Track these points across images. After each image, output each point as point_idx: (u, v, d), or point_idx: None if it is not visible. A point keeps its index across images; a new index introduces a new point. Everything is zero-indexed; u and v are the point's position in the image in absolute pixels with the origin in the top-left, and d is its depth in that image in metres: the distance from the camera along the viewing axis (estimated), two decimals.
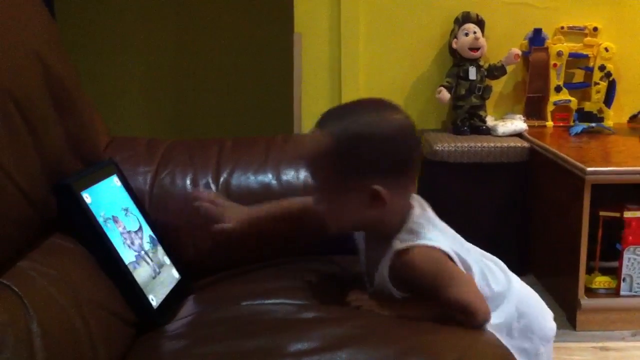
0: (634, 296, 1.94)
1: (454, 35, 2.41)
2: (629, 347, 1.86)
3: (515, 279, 1.19)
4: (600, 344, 1.86)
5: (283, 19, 2.57)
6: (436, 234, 1.06)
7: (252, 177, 1.43)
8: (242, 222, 1.23)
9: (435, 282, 1.04)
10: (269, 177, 1.43)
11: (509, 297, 1.15)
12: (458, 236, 1.13)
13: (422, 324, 1.03)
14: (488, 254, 1.21)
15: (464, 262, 1.07)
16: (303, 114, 2.48)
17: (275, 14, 2.90)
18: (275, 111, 2.87)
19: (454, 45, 2.40)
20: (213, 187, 1.41)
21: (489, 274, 1.14)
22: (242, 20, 3.25)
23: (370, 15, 2.46)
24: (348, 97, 2.46)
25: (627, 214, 1.93)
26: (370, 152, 1.02)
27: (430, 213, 1.12)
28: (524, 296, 1.18)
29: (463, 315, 1.03)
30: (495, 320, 1.09)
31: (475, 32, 2.38)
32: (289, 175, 1.42)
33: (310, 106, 2.48)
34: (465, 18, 2.41)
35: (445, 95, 2.37)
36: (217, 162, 1.44)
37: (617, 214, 1.95)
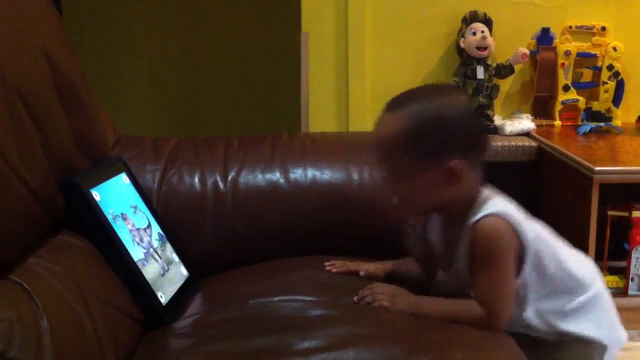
0: None
1: (461, 34, 2.41)
2: (637, 347, 1.85)
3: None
4: None
5: (290, 19, 2.56)
6: (504, 204, 1.10)
7: (259, 176, 1.43)
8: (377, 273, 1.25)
9: (487, 256, 1.07)
10: (276, 176, 1.43)
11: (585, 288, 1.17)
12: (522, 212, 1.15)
13: (431, 322, 1.03)
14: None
15: (524, 234, 1.09)
16: (310, 112, 2.48)
17: (283, 14, 2.90)
18: (283, 110, 2.87)
19: (462, 44, 2.39)
20: (221, 185, 1.41)
21: (549, 257, 1.14)
22: (249, 19, 3.25)
23: (377, 14, 2.45)
24: (355, 95, 2.46)
25: (636, 214, 1.92)
26: (446, 131, 1.06)
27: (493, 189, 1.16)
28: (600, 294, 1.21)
29: (483, 309, 1.06)
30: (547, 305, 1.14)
31: (482, 31, 2.37)
32: (296, 173, 1.43)
33: (317, 105, 2.48)
34: (472, 17, 2.40)
35: None
36: (224, 161, 1.44)
37: (625, 214, 1.95)
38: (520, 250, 1.09)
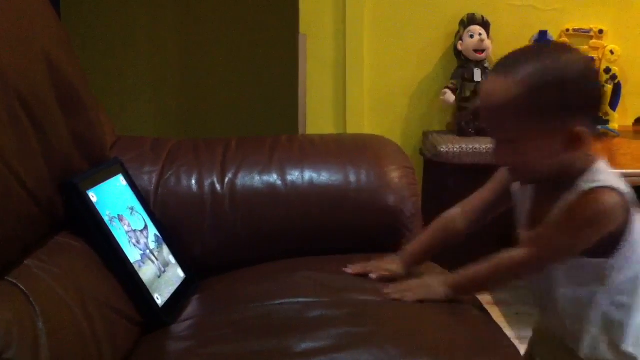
0: None
1: (459, 36, 2.41)
2: None
3: None
4: None
5: (288, 20, 2.57)
6: (618, 179, 1.04)
7: (257, 178, 1.43)
8: (399, 271, 1.20)
9: (576, 217, 1.01)
10: (274, 178, 1.43)
11: None
12: None
13: (431, 322, 1.03)
14: None
15: (633, 224, 1.03)
16: (308, 114, 2.48)
17: (281, 15, 2.90)
18: (280, 111, 2.87)
19: (459, 47, 2.40)
20: (218, 187, 1.41)
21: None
22: (247, 21, 3.25)
23: (375, 16, 2.45)
24: (352, 97, 2.46)
25: None
26: (569, 93, 0.99)
27: None
28: None
29: (525, 250, 1.06)
30: None
31: (480, 34, 2.38)
32: (294, 175, 1.43)
33: (315, 107, 2.48)
34: (470, 20, 2.41)
35: (450, 96, 2.37)
36: (222, 162, 1.44)
37: None
38: (619, 235, 1.02)
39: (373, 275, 1.19)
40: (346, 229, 1.43)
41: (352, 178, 1.42)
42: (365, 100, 2.48)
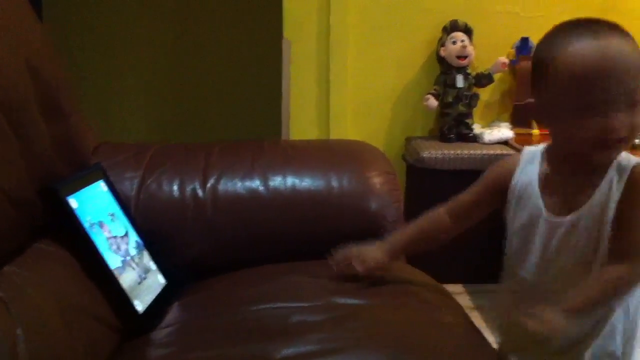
0: None
1: (442, 43, 2.43)
2: None
3: None
4: None
5: (273, 25, 2.57)
6: None
7: (239, 183, 1.43)
8: (383, 260, 1.17)
9: None
10: (256, 183, 1.43)
11: None
12: None
13: (414, 328, 1.03)
14: None
15: None
16: (291, 119, 2.49)
17: (265, 20, 2.90)
18: (264, 116, 2.87)
19: (442, 53, 2.41)
20: (200, 192, 1.41)
21: None
22: (232, 25, 3.25)
23: (359, 22, 2.47)
24: (336, 103, 2.47)
25: None
26: None
27: None
28: None
29: (625, 264, 0.98)
30: None
31: (463, 41, 2.39)
32: (276, 181, 1.42)
33: (299, 112, 2.48)
34: (453, 26, 2.43)
35: (433, 102, 2.39)
36: (204, 168, 1.44)
37: None
38: None
39: (359, 267, 1.15)
40: (329, 234, 1.42)
41: (335, 183, 1.42)
42: (348, 105, 2.49)
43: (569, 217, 1.02)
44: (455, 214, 1.17)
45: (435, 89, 2.41)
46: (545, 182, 1.05)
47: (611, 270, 0.99)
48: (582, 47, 0.97)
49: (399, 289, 1.26)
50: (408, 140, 2.48)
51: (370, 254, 1.18)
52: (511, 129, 2.43)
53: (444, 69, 2.43)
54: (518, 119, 2.51)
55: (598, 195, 1.01)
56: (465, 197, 1.18)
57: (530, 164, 1.08)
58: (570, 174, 1.04)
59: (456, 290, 2.29)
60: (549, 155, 1.07)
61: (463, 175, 2.27)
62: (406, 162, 2.42)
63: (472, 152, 2.27)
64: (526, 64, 2.46)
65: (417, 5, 2.48)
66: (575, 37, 0.99)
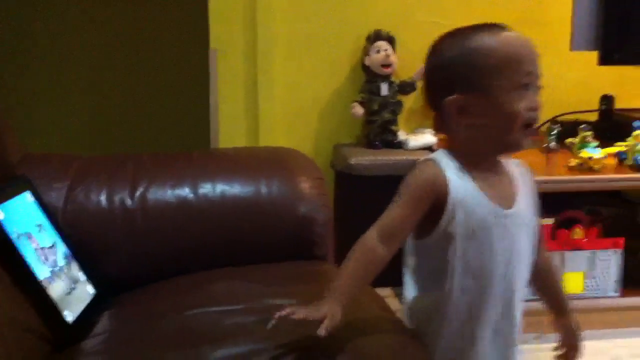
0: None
1: (366, 52, 2.48)
2: (532, 349, 1.94)
3: None
4: None
5: (199, 35, 2.57)
6: None
7: (169, 192, 1.44)
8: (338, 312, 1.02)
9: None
10: (185, 191, 1.44)
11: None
12: None
13: (345, 326, 1.06)
14: None
15: None
16: (220, 129, 2.49)
17: (191, 30, 2.90)
18: (192, 127, 2.86)
19: (366, 62, 2.47)
20: (129, 202, 1.41)
21: None
22: (158, 35, 3.24)
23: (285, 32, 2.49)
24: (264, 112, 2.49)
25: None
26: None
27: None
28: None
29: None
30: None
31: (386, 50, 2.45)
32: (206, 188, 1.44)
33: (227, 121, 2.49)
34: (376, 36, 2.48)
35: (359, 110, 2.43)
36: (133, 178, 1.44)
37: None
38: None
39: (322, 332, 0.96)
40: (261, 239, 1.45)
41: (264, 189, 1.45)
42: (276, 114, 2.51)
43: (521, 207, 1.11)
44: (388, 237, 1.06)
45: (361, 97, 2.46)
46: (480, 184, 1.08)
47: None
48: (509, 35, 1.09)
49: None
50: (336, 147, 2.52)
51: (322, 312, 1.01)
52: (434, 135, 2.50)
53: (369, 78, 2.49)
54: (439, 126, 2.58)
55: (523, 190, 1.12)
56: (394, 215, 1.08)
57: (455, 170, 1.07)
58: (490, 172, 1.10)
59: (385, 294, 2.33)
60: (464, 160, 1.09)
61: (390, 181, 2.33)
62: (335, 169, 2.46)
63: (398, 157, 2.33)
64: None
65: (341, 16, 2.53)
66: (496, 30, 1.10)
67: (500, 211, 1.08)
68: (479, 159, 1.10)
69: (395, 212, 1.07)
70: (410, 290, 1.20)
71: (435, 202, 1.06)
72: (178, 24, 3.18)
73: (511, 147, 1.09)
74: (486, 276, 1.09)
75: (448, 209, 1.05)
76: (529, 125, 1.06)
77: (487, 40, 1.08)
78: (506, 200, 1.10)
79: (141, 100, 3.27)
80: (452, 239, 1.07)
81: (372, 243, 1.06)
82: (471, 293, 1.10)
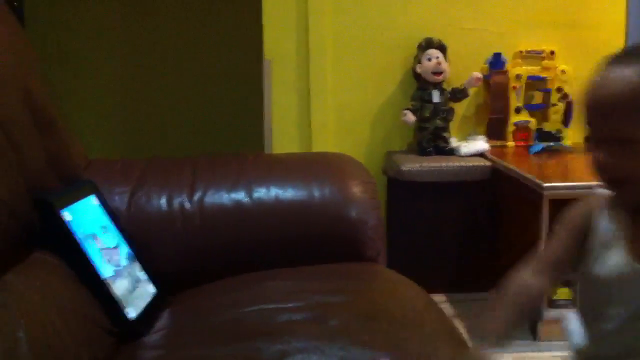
0: None
1: (417, 60, 2.51)
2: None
3: None
4: (559, 354, 1.93)
5: (254, 46, 2.64)
6: None
7: (225, 195, 1.49)
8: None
9: None
10: (241, 195, 1.49)
11: None
12: None
13: (388, 322, 1.09)
14: None
15: None
16: (274, 136, 2.55)
17: (247, 41, 2.97)
18: (247, 134, 2.93)
19: (418, 70, 2.49)
20: (188, 205, 1.47)
21: None
22: (215, 46, 3.33)
23: (337, 41, 2.54)
24: (317, 119, 2.54)
25: None
26: None
27: None
28: None
29: None
30: None
31: (437, 57, 2.47)
32: (260, 192, 1.49)
33: (281, 129, 2.55)
34: (428, 44, 2.51)
35: (411, 117, 2.46)
36: (191, 181, 1.50)
37: None
38: None
39: None
40: (313, 241, 1.49)
41: (316, 193, 1.49)
42: (328, 122, 2.56)
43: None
44: (542, 277, 1.00)
45: (412, 104, 2.49)
46: (627, 228, 0.94)
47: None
48: (599, 76, 0.90)
49: (381, 288, 1.32)
50: (388, 154, 2.55)
51: None
52: (487, 142, 2.50)
53: (421, 85, 2.51)
54: (493, 132, 2.59)
55: None
56: (550, 251, 1.02)
57: (610, 208, 0.96)
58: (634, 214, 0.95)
59: (439, 300, 2.35)
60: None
61: (442, 187, 2.37)
62: (387, 175, 2.49)
63: (449, 164, 2.34)
64: (499, 79, 2.55)
65: (393, 24, 2.56)
66: (608, 66, 0.91)
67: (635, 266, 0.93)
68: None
69: (548, 247, 1.03)
70: None
71: (583, 239, 0.98)
72: (233, 34, 3.26)
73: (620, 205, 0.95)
74: (598, 332, 0.99)
75: (588, 248, 0.97)
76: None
77: (599, 73, 0.91)
78: None
79: (200, 109, 3.37)
80: (585, 282, 0.99)
81: (527, 281, 1.00)
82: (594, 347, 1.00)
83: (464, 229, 2.40)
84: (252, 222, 1.46)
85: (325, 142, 2.53)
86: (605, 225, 0.95)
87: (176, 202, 1.48)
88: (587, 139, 0.92)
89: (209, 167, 1.55)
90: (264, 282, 1.32)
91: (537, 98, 2.62)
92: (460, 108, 2.60)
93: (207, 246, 1.45)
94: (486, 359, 0.93)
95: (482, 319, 0.98)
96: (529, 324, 2.08)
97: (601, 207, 0.96)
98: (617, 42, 2.28)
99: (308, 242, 1.49)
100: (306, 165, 1.57)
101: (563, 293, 2.05)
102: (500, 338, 0.95)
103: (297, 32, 2.52)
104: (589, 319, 0.99)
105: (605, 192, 0.95)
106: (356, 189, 1.51)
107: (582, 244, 0.97)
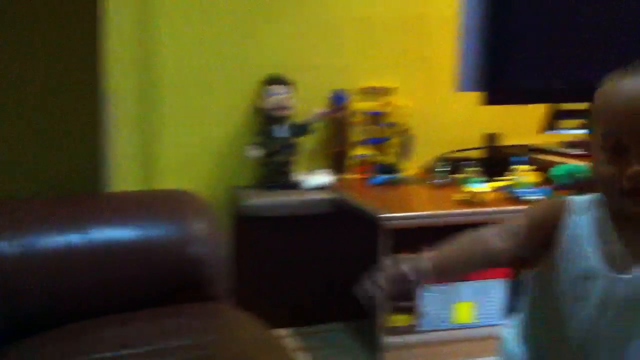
0: (431, 331, 2.11)
1: (262, 95, 2.53)
2: None
3: None
4: None
5: (92, 79, 2.55)
6: None
7: (56, 238, 1.42)
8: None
9: None
10: (74, 237, 1.42)
11: None
12: None
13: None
14: None
15: None
16: (113, 173, 2.46)
17: (85, 73, 2.87)
18: (83, 170, 2.80)
19: (262, 106, 2.51)
20: (10, 248, 1.38)
21: None
22: (50, 77, 3.18)
23: (181, 76, 2.51)
24: (158, 155, 2.48)
25: None
26: None
27: None
28: None
29: None
30: None
31: (281, 93, 2.51)
32: (93, 234, 1.43)
33: (120, 166, 2.47)
34: (272, 80, 2.53)
35: (255, 152, 2.47)
36: (17, 222, 1.41)
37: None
38: None
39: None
40: (152, 283, 1.45)
41: (155, 232, 1.45)
42: (171, 158, 2.51)
43: (632, 274, 0.93)
44: (506, 240, 0.99)
45: (257, 139, 2.50)
46: (601, 233, 0.95)
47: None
48: (625, 83, 0.91)
49: (222, 329, 1.30)
50: (234, 190, 2.54)
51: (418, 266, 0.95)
52: (330, 175, 2.56)
53: (265, 121, 2.53)
54: (336, 165, 2.65)
55: None
56: (510, 243, 0.99)
57: (581, 214, 0.97)
58: (625, 221, 0.95)
59: (286, 334, 2.35)
60: (602, 202, 0.97)
61: (287, 221, 2.39)
62: (232, 211, 2.48)
63: (293, 198, 2.37)
64: (341, 114, 2.62)
65: (237, 59, 2.57)
66: (629, 75, 0.92)
67: (608, 272, 0.95)
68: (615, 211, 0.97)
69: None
70: None
71: (544, 242, 0.99)
72: (68, 64, 3.14)
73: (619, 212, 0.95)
74: (561, 337, 1.00)
75: (552, 253, 0.99)
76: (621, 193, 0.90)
77: (607, 85, 0.93)
78: (627, 260, 0.95)
79: (32, 144, 3.18)
80: (552, 287, 0.99)
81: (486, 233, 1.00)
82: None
83: (309, 262, 2.43)
84: (85, 264, 1.40)
85: (168, 178, 2.48)
86: (579, 226, 0.95)
87: (1, 245, 1.39)
88: (604, 149, 0.90)
89: (39, 207, 1.47)
90: (97, 330, 1.26)
91: (377, 132, 2.72)
92: (306, 142, 2.64)
93: (36, 293, 1.37)
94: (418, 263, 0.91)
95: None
96: (372, 356, 2.13)
97: (571, 209, 0.97)
98: (449, 80, 2.42)
99: (147, 284, 1.45)
100: (144, 204, 1.53)
101: (402, 320, 2.12)
102: (435, 267, 0.93)
103: (137, 63, 2.47)
104: (546, 325, 0.99)
105: (580, 197, 0.97)
106: (197, 227, 1.49)
107: (547, 242, 0.97)
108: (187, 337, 1.23)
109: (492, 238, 0.99)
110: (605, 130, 0.90)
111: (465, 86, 2.53)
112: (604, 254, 0.94)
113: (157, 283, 1.45)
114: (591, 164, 0.94)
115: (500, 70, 2.54)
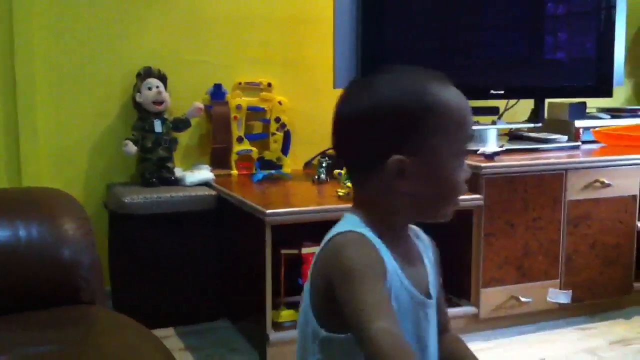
0: None
1: (137, 89, 2.45)
2: None
3: None
4: None
5: None
6: None
7: None
8: None
9: None
10: None
11: None
12: None
13: None
14: None
15: None
16: None
17: None
18: None
19: (138, 99, 2.43)
20: None
21: None
22: None
23: (48, 69, 2.39)
24: (27, 153, 2.36)
25: (305, 250, 2.10)
26: None
27: None
28: None
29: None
30: None
31: (158, 87, 2.44)
32: None
33: None
34: (147, 73, 2.46)
35: (132, 148, 2.39)
36: None
37: (296, 251, 2.12)
38: None
39: None
40: (22, 286, 1.36)
41: (22, 233, 1.36)
42: (41, 155, 2.39)
43: (435, 291, 0.97)
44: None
45: (133, 135, 2.42)
46: (402, 266, 0.92)
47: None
48: (452, 91, 0.91)
49: (95, 333, 1.24)
50: (109, 187, 2.44)
51: None
52: (211, 171, 2.52)
53: (141, 115, 2.45)
54: (217, 161, 2.61)
55: (431, 269, 0.98)
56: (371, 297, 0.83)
57: (383, 247, 0.90)
58: (404, 247, 0.95)
59: (166, 334, 2.29)
60: (380, 229, 0.91)
61: (168, 218, 2.32)
62: (108, 209, 2.38)
63: (174, 194, 2.31)
64: (220, 109, 2.59)
65: (111, 53, 2.48)
66: (438, 83, 0.91)
67: (425, 301, 0.94)
68: (396, 229, 0.95)
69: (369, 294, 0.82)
70: None
71: None
72: None
73: (439, 219, 0.94)
74: None
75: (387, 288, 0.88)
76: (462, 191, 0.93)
77: (442, 94, 0.90)
78: (422, 284, 0.95)
79: None
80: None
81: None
82: None
83: (192, 260, 2.37)
84: None
85: (39, 176, 2.36)
86: (390, 265, 0.89)
87: None
88: (459, 155, 0.92)
89: None
90: None
91: (258, 128, 2.71)
92: (184, 138, 2.59)
93: None
94: None
95: None
96: (259, 351, 2.11)
97: (379, 248, 0.89)
98: (327, 79, 2.43)
99: (16, 288, 1.36)
100: (10, 203, 1.43)
101: (288, 315, 2.11)
102: None
103: (3, 61, 2.33)
104: None
105: (361, 227, 0.90)
106: (68, 227, 1.41)
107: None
108: (58, 343, 1.16)
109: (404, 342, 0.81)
110: (464, 135, 0.91)
111: (342, 84, 2.55)
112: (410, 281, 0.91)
113: (28, 286, 1.36)
114: (440, 175, 0.90)
115: (374, 68, 2.59)
